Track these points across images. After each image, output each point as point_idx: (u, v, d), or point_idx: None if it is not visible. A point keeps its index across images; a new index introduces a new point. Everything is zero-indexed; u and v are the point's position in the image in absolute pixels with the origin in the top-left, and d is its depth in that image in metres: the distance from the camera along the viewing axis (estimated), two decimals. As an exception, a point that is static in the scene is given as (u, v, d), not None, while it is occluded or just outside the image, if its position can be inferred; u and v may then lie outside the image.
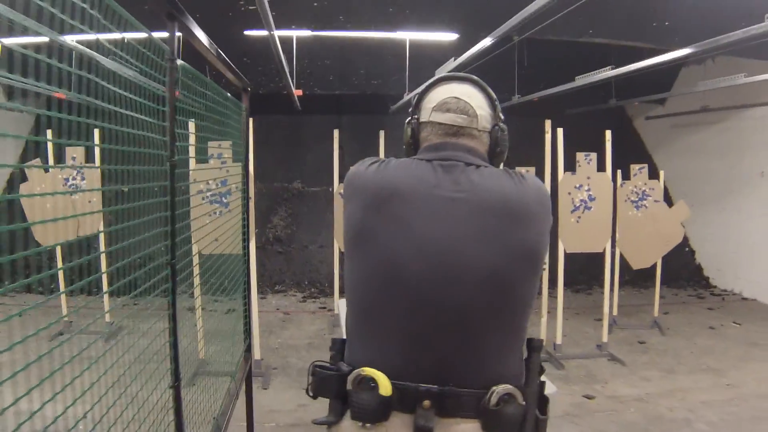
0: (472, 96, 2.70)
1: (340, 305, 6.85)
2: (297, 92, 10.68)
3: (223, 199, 7.51)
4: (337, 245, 10.21)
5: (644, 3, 8.18)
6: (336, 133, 9.96)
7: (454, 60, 8.63)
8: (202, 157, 7.35)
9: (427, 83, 2.83)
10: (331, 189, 11.82)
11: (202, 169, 6.87)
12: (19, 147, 14.77)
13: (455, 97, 2.66)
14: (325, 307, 11.63)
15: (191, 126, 6.51)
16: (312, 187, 14.47)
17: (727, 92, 10.92)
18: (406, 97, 11.80)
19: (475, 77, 2.78)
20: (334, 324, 10.12)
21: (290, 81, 9.81)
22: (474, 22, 8.52)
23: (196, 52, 3.68)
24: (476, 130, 2.66)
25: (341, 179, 10.12)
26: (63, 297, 9.70)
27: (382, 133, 10.20)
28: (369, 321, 2.43)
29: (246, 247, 6.15)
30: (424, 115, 2.70)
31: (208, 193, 7.43)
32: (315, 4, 8.18)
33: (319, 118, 13.95)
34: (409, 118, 2.77)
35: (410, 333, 2.34)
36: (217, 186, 7.37)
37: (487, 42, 7.51)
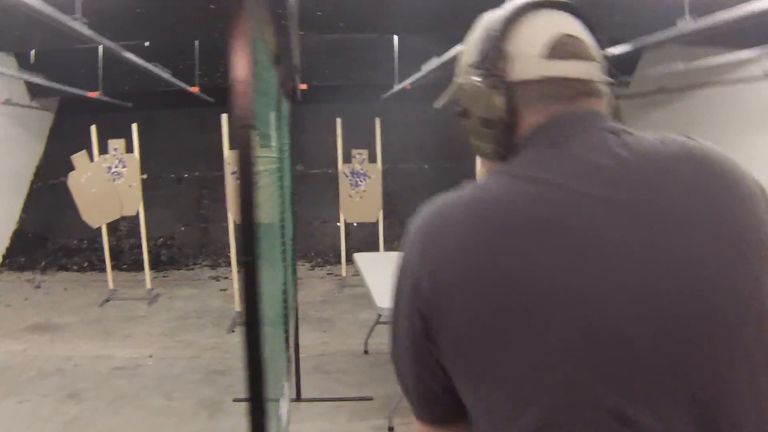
0: (583, 33, 1.52)
1: (356, 258, 8.31)
2: (302, 86, 11.98)
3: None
4: (343, 219, 11.76)
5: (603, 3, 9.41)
6: (339, 121, 11.40)
7: (438, 57, 10.03)
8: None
9: (495, 17, 1.54)
10: (330, 171, 13.32)
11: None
12: (44, 140, 16.24)
13: (569, 35, 1.48)
14: (331, 273, 12.89)
15: (223, 118, 8.19)
16: (313, 170, 15.68)
17: (682, 75, 12.20)
18: (396, 87, 12.96)
19: (574, 3, 1.57)
20: (341, 285, 11.59)
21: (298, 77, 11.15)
22: (453, 26, 9.83)
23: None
24: (604, 86, 1.55)
25: (345, 159, 11.68)
26: (109, 270, 11.05)
27: (378, 121, 11.66)
28: None
29: (282, 219, 5.94)
30: (526, 69, 1.46)
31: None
32: (319, 13, 9.49)
33: (315, 107, 15.16)
34: (478, 78, 1.50)
35: None
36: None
37: (460, 46, 9.00)
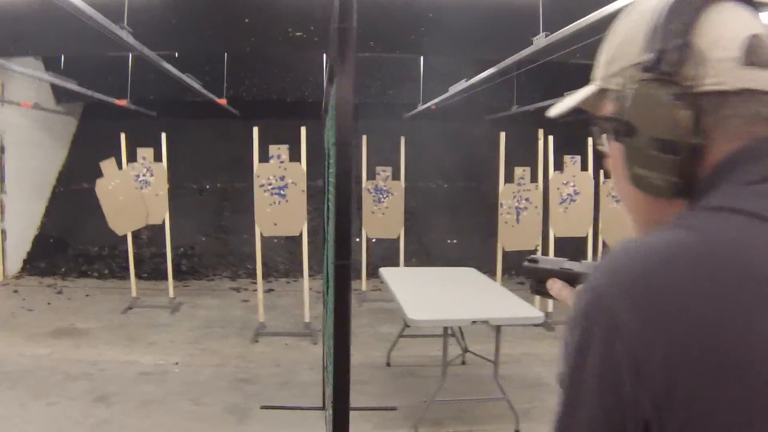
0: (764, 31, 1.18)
1: (382, 273, 8.43)
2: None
3: (281, 191, 9.10)
4: (365, 234, 11.89)
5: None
6: (364, 138, 11.56)
7: (466, 81, 10.19)
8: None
9: (670, 4, 1.15)
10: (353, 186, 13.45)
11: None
12: (67, 145, 16.43)
13: (762, 37, 1.15)
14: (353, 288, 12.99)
15: (255, 131, 8.37)
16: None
17: None
18: (421, 107, 13.18)
19: None
20: (361, 299, 11.68)
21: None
22: (481, 49, 9.99)
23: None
24: None
25: (369, 176, 11.82)
26: (132, 278, 11.19)
27: (403, 139, 11.81)
28: None
29: (325, 231, 5.93)
30: (721, 77, 1.11)
31: (269, 187, 9.05)
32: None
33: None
34: (655, 85, 1.13)
35: None
36: (276, 181, 9.02)
37: (491, 70, 9.19)
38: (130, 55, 12.61)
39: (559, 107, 1.42)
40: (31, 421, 6.47)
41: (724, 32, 1.11)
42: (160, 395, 7.22)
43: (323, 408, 6.72)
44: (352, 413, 7.01)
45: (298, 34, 10.26)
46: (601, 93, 1.25)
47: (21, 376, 7.74)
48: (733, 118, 1.09)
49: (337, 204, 2.36)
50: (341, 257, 2.46)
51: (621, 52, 1.21)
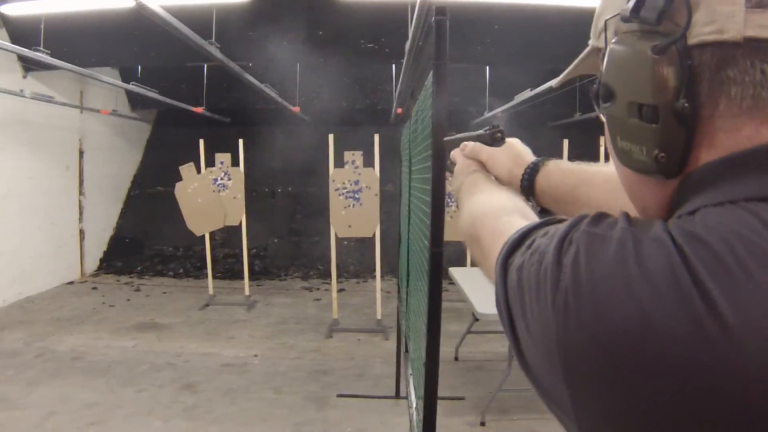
0: None
1: (452, 272, 8.80)
2: (398, 110, 12.49)
3: (356, 195, 9.52)
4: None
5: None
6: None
7: (531, 90, 10.49)
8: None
9: None
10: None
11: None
12: (141, 150, 17.00)
13: None
14: (418, 290, 13.28)
15: (330, 138, 8.81)
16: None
17: None
18: (487, 114, 13.52)
19: None
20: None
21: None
22: (545, 59, 10.24)
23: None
24: None
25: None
26: (210, 277, 11.71)
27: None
28: None
29: (406, 239, 5.74)
30: (721, 23, 0.83)
31: (344, 191, 9.44)
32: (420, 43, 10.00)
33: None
34: (633, 37, 0.92)
35: None
36: (351, 185, 9.41)
37: (555, 81, 9.50)
38: (205, 64, 13.13)
39: (563, 75, 1.27)
40: (123, 406, 6.95)
41: None
42: (243, 384, 7.66)
43: (396, 397, 7.13)
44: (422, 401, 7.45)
45: (369, 45, 10.67)
46: (595, 53, 1.07)
47: (109, 365, 8.24)
48: (740, 85, 0.83)
49: (432, 201, 2.68)
50: (436, 245, 2.71)
51: (606, 4, 1.00)
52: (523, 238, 0.99)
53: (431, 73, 2.71)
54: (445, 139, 1.90)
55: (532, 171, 1.59)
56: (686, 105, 0.86)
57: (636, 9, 0.89)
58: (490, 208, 1.34)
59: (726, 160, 0.86)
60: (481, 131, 1.68)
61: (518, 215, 1.24)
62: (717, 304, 0.70)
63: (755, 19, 0.80)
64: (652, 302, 0.74)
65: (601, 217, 0.90)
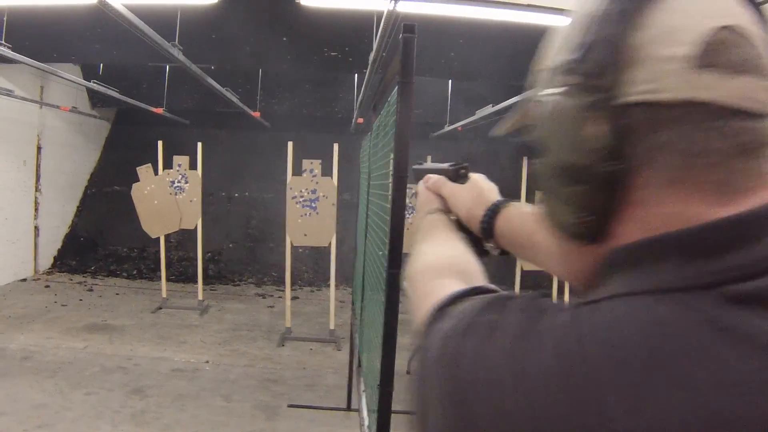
0: (749, 25, 0.80)
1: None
2: (359, 120, 12.52)
3: (313, 204, 9.49)
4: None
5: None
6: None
7: (492, 106, 10.50)
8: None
9: None
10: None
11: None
12: (99, 148, 16.89)
13: (738, 31, 0.78)
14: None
15: (290, 146, 8.78)
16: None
17: None
18: (448, 128, 13.51)
19: None
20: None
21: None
22: (509, 76, 10.26)
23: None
24: None
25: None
26: (163, 279, 11.63)
27: (429, 159, 12.11)
28: None
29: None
30: (662, 81, 0.77)
31: (301, 199, 9.42)
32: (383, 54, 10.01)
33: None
34: (564, 91, 0.84)
35: None
36: (308, 194, 9.40)
37: (518, 98, 9.55)
38: (167, 65, 13.08)
39: (502, 124, 1.23)
40: (72, 409, 6.88)
41: (681, 21, 0.79)
42: (193, 391, 7.62)
43: (347, 409, 7.11)
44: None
45: (333, 54, 10.66)
46: (535, 104, 0.96)
47: (59, 367, 8.15)
48: (672, 153, 0.78)
49: (391, 221, 2.63)
50: (393, 267, 2.68)
51: (552, 51, 0.93)
52: (443, 306, 0.94)
53: (395, 89, 2.69)
54: (413, 167, 1.88)
55: (492, 213, 1.51)
56: (611, 169, 0.80)
57: (577, 62, 0.83)
58: (432, 263, 1.30)
59: (643, 243, 0.80)
60: (446, 165, 1.66)
61: (456, 277, 1.16)
62: (611, 412, 0.67)
63: (698, 79, 0.76)
64: (541, 403, 0.70)
65: (504, 300, 0.86)
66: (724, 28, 0.77)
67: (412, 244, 1.50)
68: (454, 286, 1.05)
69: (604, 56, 0.80)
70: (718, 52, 0.76)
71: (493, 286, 1.03)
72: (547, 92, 0.88)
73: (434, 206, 1.65)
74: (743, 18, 0.79)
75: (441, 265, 1.26)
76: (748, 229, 0.75)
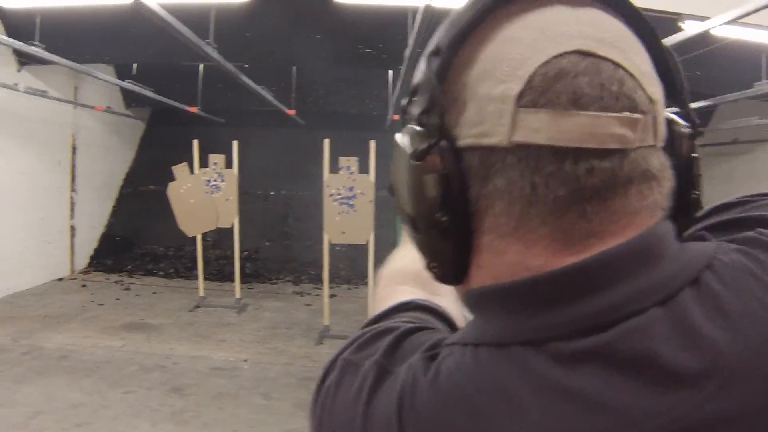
0: (621, 40, 0.72)
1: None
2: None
3: (350, 201, 9.44)
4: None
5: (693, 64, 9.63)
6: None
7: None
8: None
9: (455, 20, 0.75)
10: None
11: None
12: (134, 148, 16.96)
13: (584, 55, 0.69)
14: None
15: (326, 143, 8.74)
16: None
17: (755, 129, 12.39)
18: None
19: None
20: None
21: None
22: None
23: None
24: (658, 151, 0.74)
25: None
26: (200, 278, 11.63)
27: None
28: None
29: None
30: (486, 124, 0.71)
31: (338, 196, 9.37)
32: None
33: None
34: (406, 141, 0.78)
35: None
36: (345, 191, 9.34)
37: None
38: (201, 64, 13.09)
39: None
40: (110, 407, 6.88)
41: (509, 53, 0.71)
42: (232, 389, 7.59)
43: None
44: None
45: (367, 50, 10.62)
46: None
47: (97, 366, 8.14)
48: (507, 199, 0.72)
49: None
50: None
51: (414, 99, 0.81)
52: (368, 323, 0.95)
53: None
54: None
55: None
56: (444, 219, 0.75)
57: (408, 104, 0.80)
58: (400, 268, 1.28)
59: (482, 292, 0.79)
60: None
61: (417, 284, 1.14)
62: None
63: (527, 120, 0.69)
64: None
65: (376, 336, 0.86)
66: (559, 56, 0.69)
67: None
68: (407, 295, 1.04)
69: (429, 98, 0.74)
70: (547, 88, 0.69)
71: (427, 303, 1.00)
72: (396, 136, 0.82)
73: None
74: (595, 38, 0.71)
75: (406, 272, 1.22)
76: (587, 279, 0.70)
